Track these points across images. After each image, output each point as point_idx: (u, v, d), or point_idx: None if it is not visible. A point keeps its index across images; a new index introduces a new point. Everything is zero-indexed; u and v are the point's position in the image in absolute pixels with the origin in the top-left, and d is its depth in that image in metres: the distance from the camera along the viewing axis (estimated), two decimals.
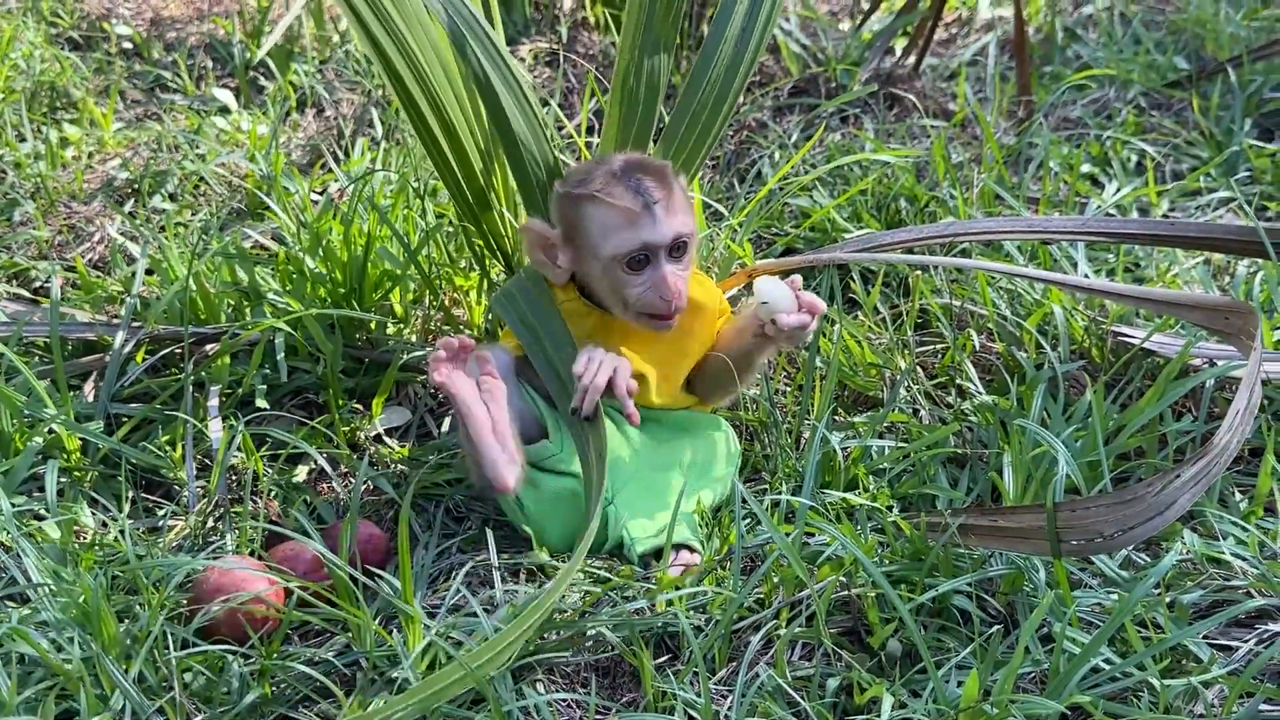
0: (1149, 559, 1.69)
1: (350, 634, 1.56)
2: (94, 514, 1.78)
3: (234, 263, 2.12)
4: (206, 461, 1.90)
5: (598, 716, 1.47)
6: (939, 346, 2.11)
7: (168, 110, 2.94)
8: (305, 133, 2.87)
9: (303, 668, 1.48)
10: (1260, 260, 2.16)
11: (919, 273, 2.17)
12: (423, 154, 2.01)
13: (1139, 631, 1.51)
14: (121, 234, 2.41)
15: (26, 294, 2.26)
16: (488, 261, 2.07)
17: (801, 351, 2.10)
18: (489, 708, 1.40)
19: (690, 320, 1.81)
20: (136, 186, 2.59)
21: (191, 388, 1.93)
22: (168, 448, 1.88)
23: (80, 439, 1.86)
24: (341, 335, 2.04)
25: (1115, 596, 1.58)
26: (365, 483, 1.88)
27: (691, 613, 1.59)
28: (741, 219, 2.28)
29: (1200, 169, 2.71)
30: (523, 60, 3.07)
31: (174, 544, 1.74)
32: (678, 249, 1.72)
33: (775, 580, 1.62)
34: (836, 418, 1.97)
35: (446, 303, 2.15)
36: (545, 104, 2.72)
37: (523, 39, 3.16)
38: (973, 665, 1.48)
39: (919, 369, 2.06)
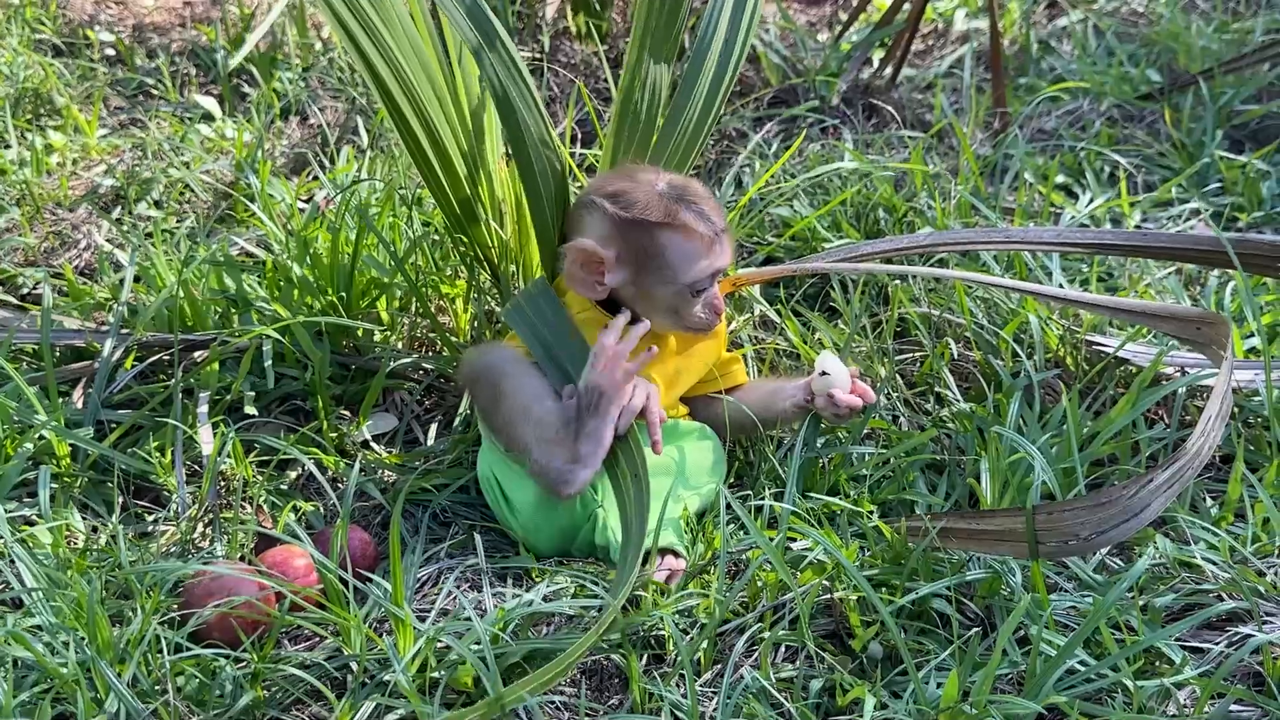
0: (1122, 563, 1.73)
1: (341, 638, 1.58)
2: (85, 519, 1.80)
3: (221, 270, 2.14)
4: (195, 468, 1.91)
5: (586, 717, 1.50)
6: (918, 355, 2.15)
7: (152, 117, 2.96)
8: (290, 140, 2.89)
9: (295, 671, 1.50)
10: (1230, 270, 2.21)
11: (898, 282, 2.21)
12: (409, 163, 2.03)
13: (1113, 634, 1.55)
14: (108, 241, 2.42)
15: (13, 300, 2.27)
16: (475, 270, 2.09)
17: (783, 360, 2.13)
18: (481, 710, 1.42)
19: (696, 339, 1.89)
20: (122, 193, 2.61)
21: (181, 394, 1.95)
22: (157, 454, 1.90)
23: (70, 445, 1.88)
24: (329, 343, 2.07)
25: (1090, 600, 1.62)
26: (356, 486, 1.91)
27: (677, 616, 1.62)
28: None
29: (1172, 180, 2.76)
30: None
31: (165, 549, 1.76)
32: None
33: (759, 584, 1.65)
34: (820, 423, 2.01)
35: (433, 310, 2.17)
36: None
37: None
38: (952, 667, 1.52)
39: (898, 377, 2.10)
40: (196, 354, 2.06)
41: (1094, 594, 1.63)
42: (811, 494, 1.84)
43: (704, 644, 1.56)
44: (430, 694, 1.50)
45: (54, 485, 1.83)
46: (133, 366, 2.02)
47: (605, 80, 3.08)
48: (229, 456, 1.86)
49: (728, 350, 2.00)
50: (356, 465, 1.83)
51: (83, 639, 1.50)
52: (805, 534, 1.69)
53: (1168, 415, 2.00)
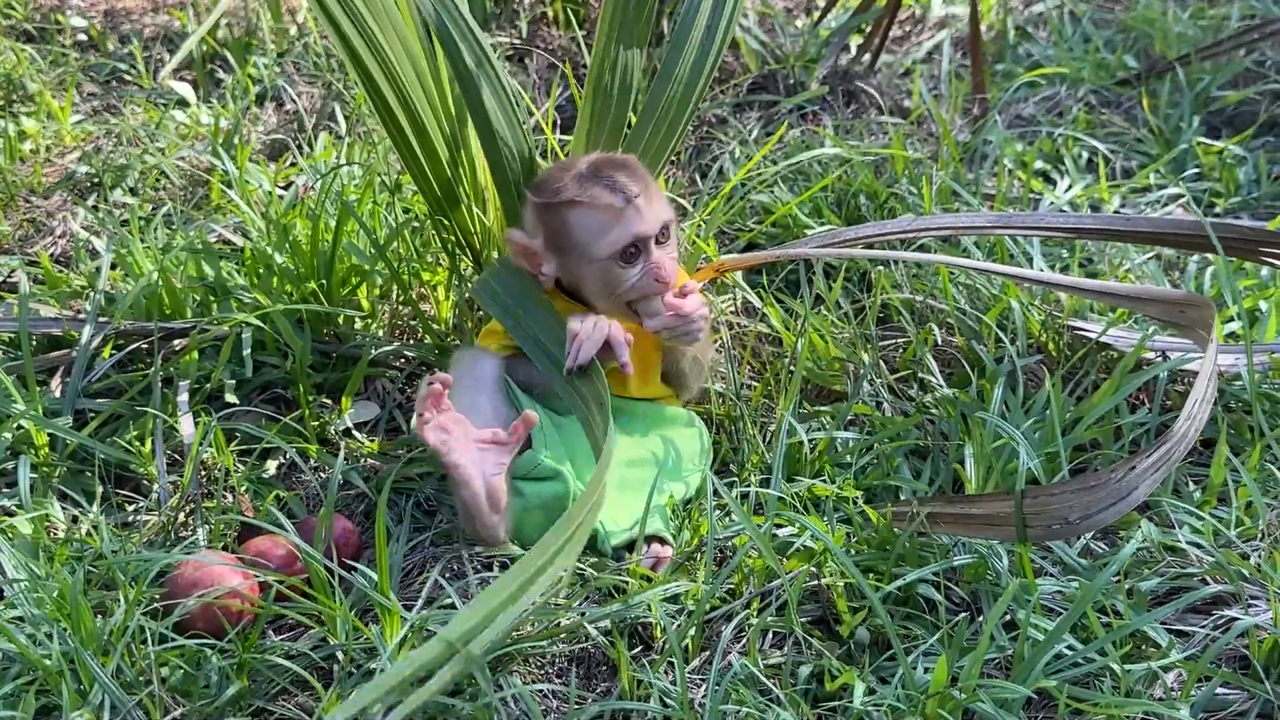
0: (1106, 548, 1.73)
1: (326, 627, 1.57)
2: (65, 509, 1.78)
3: (200, 258, 2.12)
4: (176, 457, 1.90)
5: (576, 706, 1.49)
6: (900, 340, 2.15)
7: (126, 103, 2.93)
8: (266, 126, 2.86)
9: (281, 660, 1.49)
10: (1210, 255, 2.21)
11: (880, 268, 2.21)
12: (389, 148, 2.01)
13: (1099, 618, 1.55)
14: (84, 228, 2.40)
15: None
16: (457, 256, 2.08)
17: (768, 347, 2.13)
18: (469, 694, 1.42)
19: None
20: (97, 180, 2.58)
21: (160, 383, 1.93)
22: (137, 443, 1.88)
23: (49, 435, 1.86)
24: (310, 331, 2.05)
25: (1075, 584, 1.62)
26: (329, 478, 1.89)
27: (665, 603, 1.62)
28: (707, 215, 2.31)
29: (1150, 166, 2.77)
30: None
31: (146, 539, 1.74)
32: (664, 234, 1.78)
33: (746, 571, 1.65)
34: (801, 410, 2.01)
35: (415, 297, 2.16)
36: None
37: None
38: (939, 652, 1.52)
39: (881, 363, 2.10)
40: (176, 342, 2.04)
41: (1079, 578, 1.64)
42: (797, 479, 1.84)
43: (691, 631, 1.56)
44: (419, 682, 1.49)
45: (33, 475, 1.81)
46: (111, 355, 2.00)
47: (585, 67, 3.06)
48: (210, 445, 1.84)
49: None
50: (341, 454, 1.82)
51: (66, 630, 1.48)
52: (793, 521, 1.69)
53: (1149, 400, 2.00)
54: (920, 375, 2.06)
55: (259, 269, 2.10)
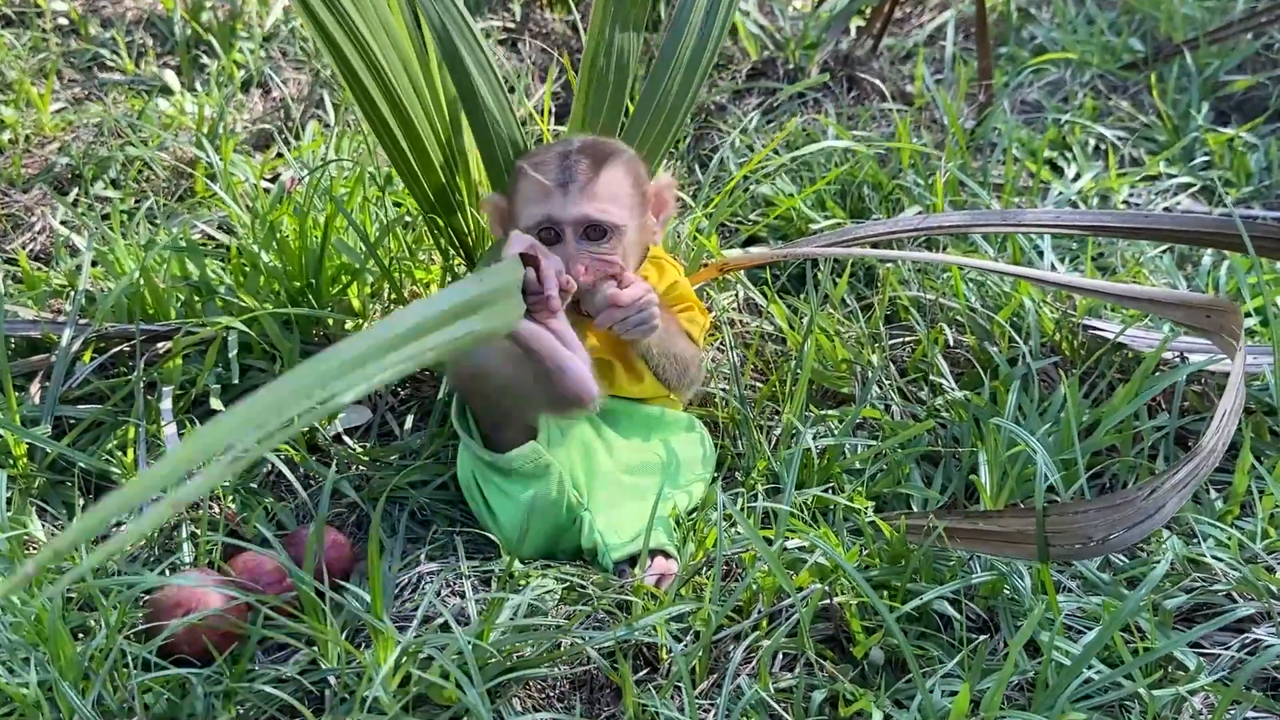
0: (1127, 560, 1.67)
1: (317, 648, 1.50)
2: (44, 525, 1.71)
3: (184, 256, 2.05)
4: None
5: None
6: (910, 340, 2.08)
7: (108, 91, 2.84)
8: (252, 114, 2.78)
9: (269, 689, 1.42)
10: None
11: (888, 265, 2.14)
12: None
13: (1124, 636, 1.49)
14: (64, 224, 2.31)
15: None
16: (450, 254, 2.01)
17: (771, 346, 2.06)
18: None
19: None
20: (78, 172, 2.50)
21: (143, 389, 1.86)
22: (119, 452, 1.81)
23: (28, 444, 1.79)
24: (299, 332, 1.98)
25: (1097, 600, 1.56)
26: (321, 487, 1.82)
27: (670, 622, 1.55)
28: (710, 211, 2.23)
29: (1159, 155, 2.70)
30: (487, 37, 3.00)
31: (129, 555, 1.67)
32: (593, 232, 1.70)
33: (754, 588, 1.58)
34: (808, 413, 1.94)
35: (408, 296, 2.08)
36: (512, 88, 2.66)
37: (476, 18, 3.08)
38: (958, 675, 1.46)
39: (890, 363, 2.03)
40: (160, 345, 1.96)
41: (1103, 596, 1.58)
42: (805, 488, 1.78)
43: (699, 653, 1.50)
44: (414, 709, 1.43)
45: (11, 488, 1.74)
46: (92, 359, 1.92)
47: (581, 52, 2.98)
48: None
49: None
50: (333, 466, 1.74)
51: (46, 657, 1.41)
52: (803, 535, 1.62)
53: (1166, 402, 1.94)
54: (931, 377, 1.99)
55: (245, 268, 2.03)
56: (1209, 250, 2.31)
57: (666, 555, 1.67)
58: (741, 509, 1.73)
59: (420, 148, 1.81)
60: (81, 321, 1.95)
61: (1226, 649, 1.52)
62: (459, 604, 1.58)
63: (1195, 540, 1.67)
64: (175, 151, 2.54)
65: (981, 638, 1.48)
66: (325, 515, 1.59)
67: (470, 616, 1.55)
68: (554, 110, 2.69)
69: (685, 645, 1.50)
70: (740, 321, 2.11)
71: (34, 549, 1.67)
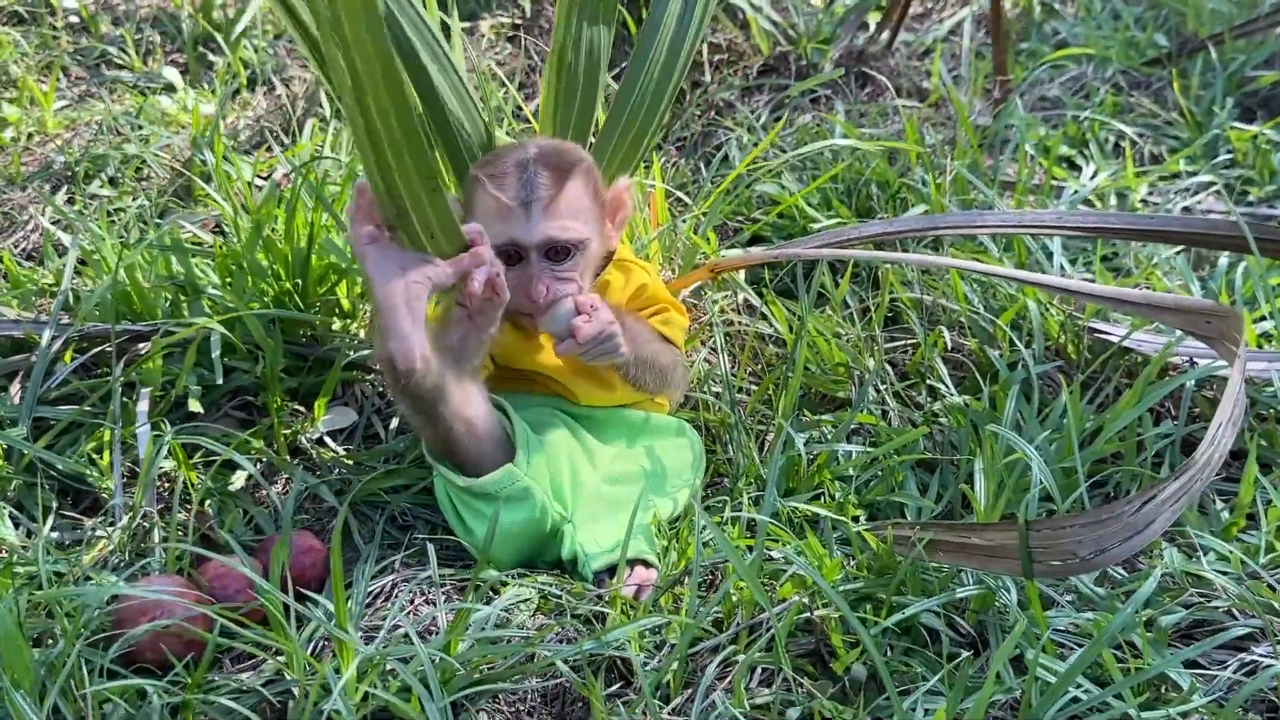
0: (1126, 573, 1.61)
1: (284, 659, 1.46)
2: (20, 527, 1.68)
3: (169, 255, 2.02)
4: (136, 469, 1.79)
5: None
6: (909, 343, 2.02)
7: (110, 89, 2.82)
8: (254, 112, 2.75)
9: (227, 702, 1.38)
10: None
11: (887, 266, 2.08)
12: None
13: (1116, 655, 1.43)
14: (54, 223, 2.29)
15: None
16: None
17: (770, 347, 2.01)
18: None
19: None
20: (75, 171, 2.48)
21: (122, 390, 1.83)
22: (95, 455, 1.78)
23: (3, 445, 1.76)
24: (284, 332, 1.94)
25: (1091, 616, 1.50)
26: (305, 489, 1.79)
27: (648, 633, 1.51)
28: (706, 209, 2.18)
29: (1180, 152, 2.63)
30: (483, 36, 2.96)
31: (98, 560, 1.64)
32: (556, 253, 1.64)
33: (734, 599, 1.53)
34: (802, 417, 1.89)
35: None
36: (504, 84, 2.62)
37: (484, 14, 3.05)
38: (942, 691, 1.40)
39: (888, 367, 1.97)
40: (142, 345, 1.93)
41: (1095, 610, 1.51)
42: (795, 495, 1.73)
43: (674, 667, 1.45)
44: None
45: None
46: (73, 359, 1.89)
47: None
48: (170, 458, 1.74)
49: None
50: (300, 468, 1.70)
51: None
52: (785, 546, 1.57)
53: (1175, 408, 1.88)
54: (929, 381, 1.94)
55: (231, 267, 1.99)
56: (1227, 251, 2.24)
57: (647, 564, 1.63)
58: (727, 517, 1.68)
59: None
60: (64, 321, 1.93)
61: (1224, 668, 1.45)
62: (431, 613, 1.54)
63: (1198, 554, 1.60)
64: (174, 150, 2.52)
65: (965, 654, 1.42)
66: (290, 523, 1.55)
67: (440, 627, 1.50)
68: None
69: (659, 659, 1.45)
70: (739, 323, 2.06)
71: (4, 552, 1.64)
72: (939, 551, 1.49)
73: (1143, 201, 2.52)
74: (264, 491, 1.78)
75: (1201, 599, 1.53)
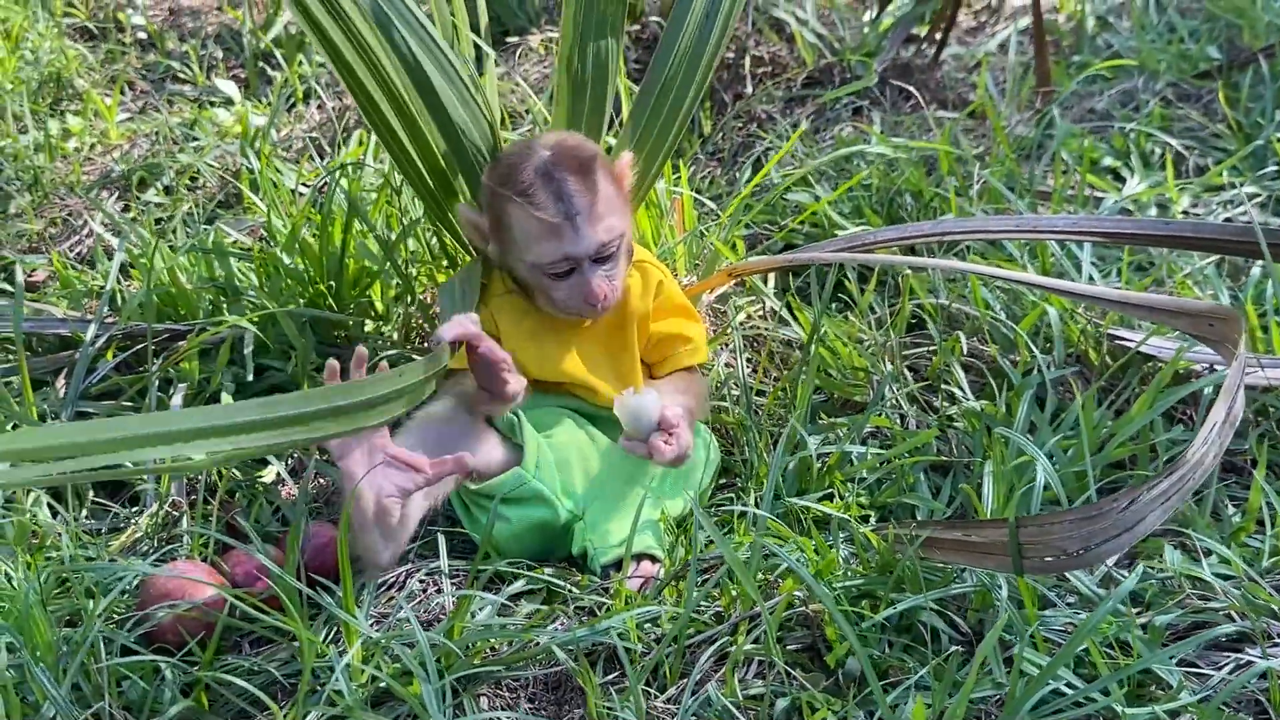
0: (1125, 574, 1.61)
1: (298, 643, 1.52)
2: (58, 516, 1.76)
3: (212, 258, 2.10)
4: None
5: None
6: (931, 349, 2.04)
7: (171, 101, 2.92)
8: (307, 124, 2.84)
9: (237, 680, 1.44)
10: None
11: (908, 272, 2.10)
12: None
13: (1109, 654, 1.44)
14: (106, 227, 2.39)
15: (9, 288, 2.24)
16: (460, 257, 2.02)
17: (795, 352, 2.03)
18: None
19: (622, 309, 1.78)
20: (131, 179, 2.57)
21: (160, 386, 1.90)
22: None
23: None
24: (318, 333, 2.01)
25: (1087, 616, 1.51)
26: (330, 484, 1.85)
27: (648, 625, 1.54)
28: (729, 216, 2.21)
29: (1223, 163, 2.61)
30: (531, 51, 3.02)
31: (127, 546, 1.71)
32: (603, 253, 1.67)
33: (734, 594, 1.56)
34: (819, 421, 1.91)
35: (428, 299, 2.10)
36: (539, 92, 2.68)
37: (532, 29, 3.11)
38: (935, 685, 1.42)
39: (909, 372, 1.99)
40: (181, 344, 2.01)
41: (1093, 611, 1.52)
42: (806, 495, 1.75)
43: (669, 657, 1.48)
44: (379, 705, 1.44)
45: None
46: (115, 356, 1.98)
47: (635, 62, 2.99)
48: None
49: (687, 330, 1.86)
50: (312, 464, 1.75)
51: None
52: (785, 542, 1.60)
53: (1197, 415, 1.87)
54: (947, 386, 1.95)
55: (268, 270, 2.07)
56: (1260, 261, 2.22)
57: (653, 559, 1.66)
58: (735, 514, 1.71)
59: (424, 145, 1.81)
60: (109, 320, 2.01)
61: (1219, 669, 1.45)
62: (440, 602, 1.59)
63: (1204, 556, 1.60)
64: (225, 159, 2.61)
65: (953, 649, 1.43)
66: (309, 514, 1.61)
67: (447, 613, 1.55)
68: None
69: (657, 650, 1.48)
70: (762, 329, 2.08)
71: (38, 537, 1.72)
72: (935, 549, 1.51)
73: (1184, 213, 2.51)
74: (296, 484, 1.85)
75: (1198, 601, 1.53)
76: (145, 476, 1.79)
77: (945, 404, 1.93)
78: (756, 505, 1.66)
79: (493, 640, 1.51)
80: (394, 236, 2.08)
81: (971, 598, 1.55)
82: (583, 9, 1.79)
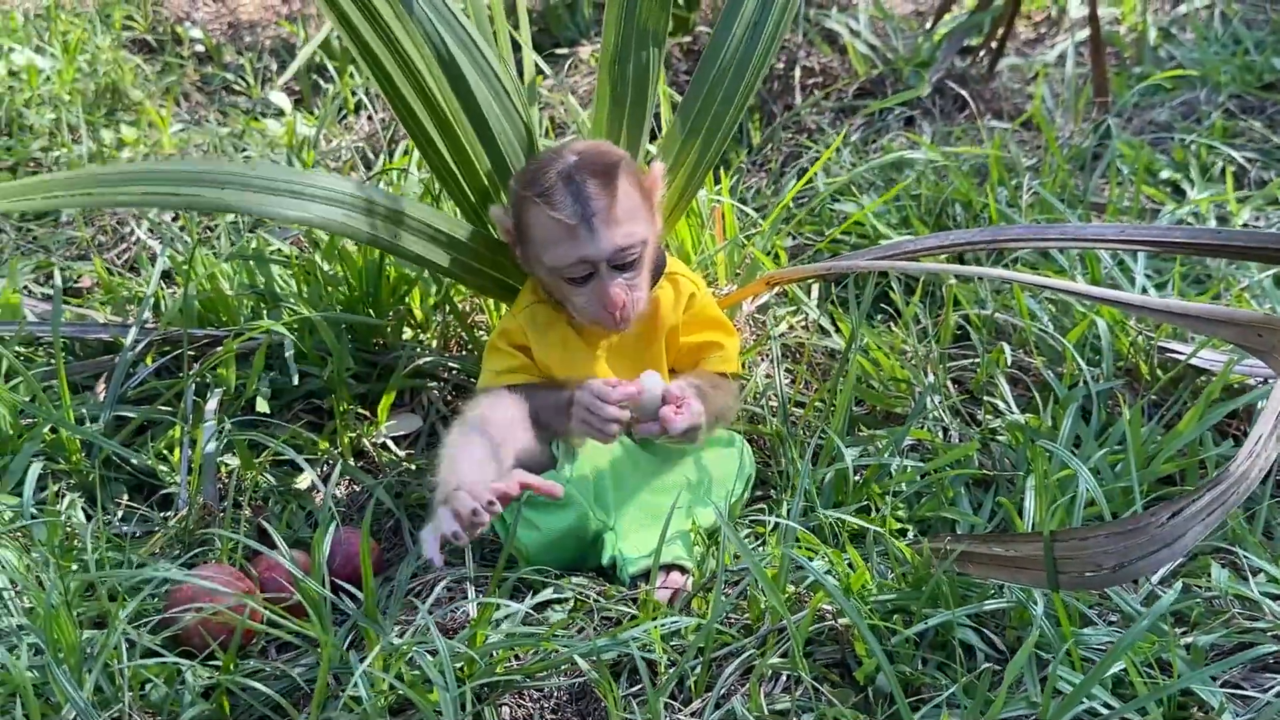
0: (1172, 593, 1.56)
1: (320, 650, 1.50)
2: (98, 516, 1.77)
3: (252, 265, 2.10)
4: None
5: None
6: (976, 361, 1.99)
7: (224, 113, 2.95)
8: (356, 136, 2.85)
9: (257, 685, 1.43)
10: None
11: (953, 282, 2.06)
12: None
13: (1149, 675, 1.39)
14: (151, 235, 2.41)
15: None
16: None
17: (835, 362, 2.00)
18: None
19: (652, 320, 1.75)
20: None
21: (197, 391, 1.91)
22: (166, 451, 1.86)
23: (83, 441, 1.85)
24: (356, 340, 2.01)
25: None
26: (362, 490, 1.85)
27: (675, 637, 1.51)
28: (770, 225, 2.19)
29: None
30: (582, 62, 3.02)
31: (157, 550, 1.71)
32: (622, 258, 1.64)
33: (762, 607, 1.53)
34: (858, 432, 1.88)
35: (467, 308, 2.10)
36: (584, 105, 2.67)
37: (582, 41, 3.11)
38: (967, 703, 1.38)
39: (952, 384, 1.95)
40: (219, 350, 2.01)
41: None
42: (843, 507, 1.72)
43: (694, 669, 1.45)
44: (399, 712, 1.42)
45: (62, 480, 1.81)
46: (154, 361, 1.99)
47: (685, 73, 2.97)
48: (233, 455, 1.81)
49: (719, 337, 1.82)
50: (338, 468, 1.74)
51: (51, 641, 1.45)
52: (816, 554, 1.56)
53: (1249, 429, 1.81)
54: (991, 399, 1.91)
55: (308, 277, 2.07)
56: None
57: (683, 570, 1.63)
58: (768, 527, 1.68)
59: (462, 153, 1.79)
60: (147, 326, 2.02)
61: (1265, 691, 1.39)
62: (466, 610, 1.57)
63: (1253, 575, 1.54)
64: None
65: (986, 665, 1.39)
66: (335, 521, 1.60)
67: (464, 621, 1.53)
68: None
69: (682, 661, 1.46)
70: (803, 339, 2.05)
71: (77, 539, 1.72)
72: (970, 563, 1.47)
73: (1244, 225, 2.44)
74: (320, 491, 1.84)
75: (1248, 621, 1.47)
76: (179, 481, 1.79)
77: (989, 417, 1.88)
78: (787, 517, 1.63)
79: (516, 649, 1.49)
80: None
81: (1009, 615, 1.51)
82: (624, 19, 1.77)
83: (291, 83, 3.17)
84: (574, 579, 1.62)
